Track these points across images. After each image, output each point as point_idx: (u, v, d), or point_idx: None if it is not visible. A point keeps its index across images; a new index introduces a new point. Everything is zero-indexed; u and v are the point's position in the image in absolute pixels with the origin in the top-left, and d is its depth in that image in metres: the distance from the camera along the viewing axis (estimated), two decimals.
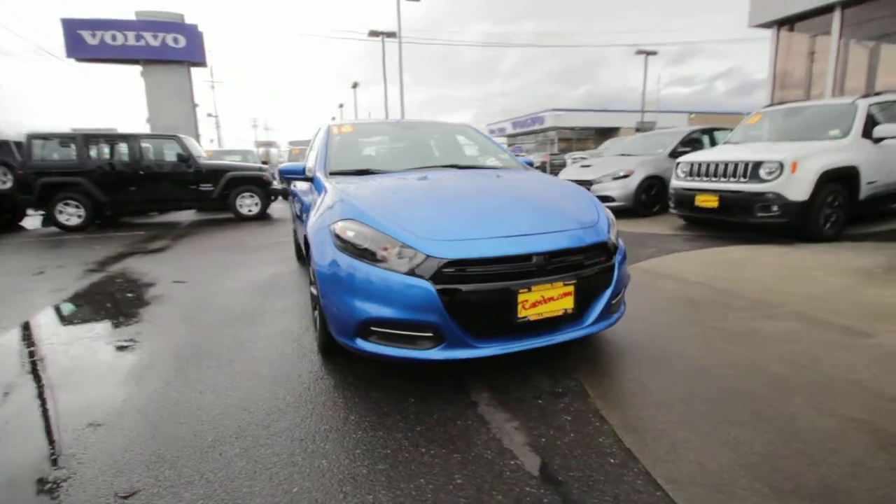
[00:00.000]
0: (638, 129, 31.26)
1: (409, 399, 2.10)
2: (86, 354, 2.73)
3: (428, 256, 1.94)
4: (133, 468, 1.66)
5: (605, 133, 38.25)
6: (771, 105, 6.98)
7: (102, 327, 3.20)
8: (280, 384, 2.28)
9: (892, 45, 9.70)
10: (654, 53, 28.43)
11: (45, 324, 3.34)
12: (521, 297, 1.96)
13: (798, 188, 4.92)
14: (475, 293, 1.93)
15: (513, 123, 44.03)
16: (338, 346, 2.38)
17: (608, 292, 2.25)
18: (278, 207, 11.27)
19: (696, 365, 2.34)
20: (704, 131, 8.32)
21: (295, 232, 5.03)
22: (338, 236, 2.18)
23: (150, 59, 18.47)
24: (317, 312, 2.64)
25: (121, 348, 2.81)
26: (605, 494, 1.47)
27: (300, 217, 4.00)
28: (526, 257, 2.00)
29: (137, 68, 19.15)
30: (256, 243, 6.43)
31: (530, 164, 3.61)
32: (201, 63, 19.74)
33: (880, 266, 4.01)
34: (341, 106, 47.17)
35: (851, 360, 2.34)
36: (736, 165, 5.34)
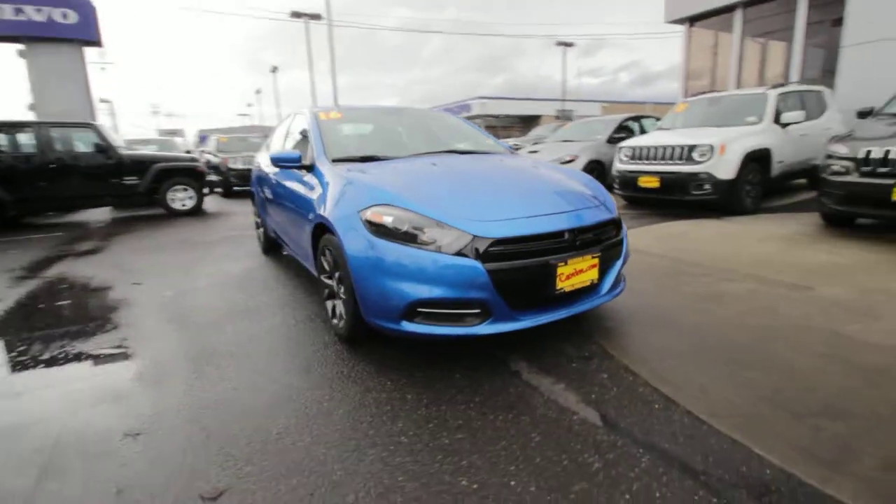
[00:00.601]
0: (557, 117, 32.97)
1: (455, 375, 2.19)
2: (78, 367, 2.47)
3: (475, 236, 2.03)
4: (205, 470, 1.59)
5: (528, 121, 39.80)
6: (693, 95, 7.75)
7: (76, 336, 2.89)
8: (316, 374, 2.25)
9: (778, 41, 11.17)
10: (571, 45, 30.01)
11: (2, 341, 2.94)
12: (559, 271, 2.12)
13: (726, 168, 5.60)
14: (520, 269, 2.06)
15: (440, 111, 44.15)
16: (365, 332, 2.41)
17: (619, 263, 2.49)
18: (211, 202, 10.49)
19: (689, 323, 2.68)
20: (634, 119, 9.06)
21: (261, 224, 4.79)
22: (371, 222, 2.19)
23: (33, 37, 16.01)
24: (336, 301, 2.62)
25: (112, 356, 2.58)
26: (663, 433, 1.69)
27: (275, 205, 3.83)
28: (559, 234, 2.17)
29: (14, 47, 16.55)
30: (207, 239, 6.00)
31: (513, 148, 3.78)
32: (96, 42, 17.46)
33: (798, 233, 4.73)
34: (258, 92, 44.31)
35: (804, 309, 2.80)
36: (673, 149, 5.93)
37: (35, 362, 2.51)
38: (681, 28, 11.81)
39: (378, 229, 2.17)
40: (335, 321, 2.66)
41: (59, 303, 3.57)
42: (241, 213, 8.34)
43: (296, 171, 3.18)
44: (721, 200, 5.72)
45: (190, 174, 8.47)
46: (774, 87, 6.43)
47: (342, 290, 2.51)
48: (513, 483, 1.47)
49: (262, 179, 4.35)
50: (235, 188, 11.86)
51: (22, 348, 2.70)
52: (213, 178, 11.09)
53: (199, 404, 2.02)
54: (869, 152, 4.02)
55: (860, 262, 3.67)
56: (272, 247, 4.85)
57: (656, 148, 6.11)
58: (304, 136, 3.65)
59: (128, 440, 1.78)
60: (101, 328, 2.99)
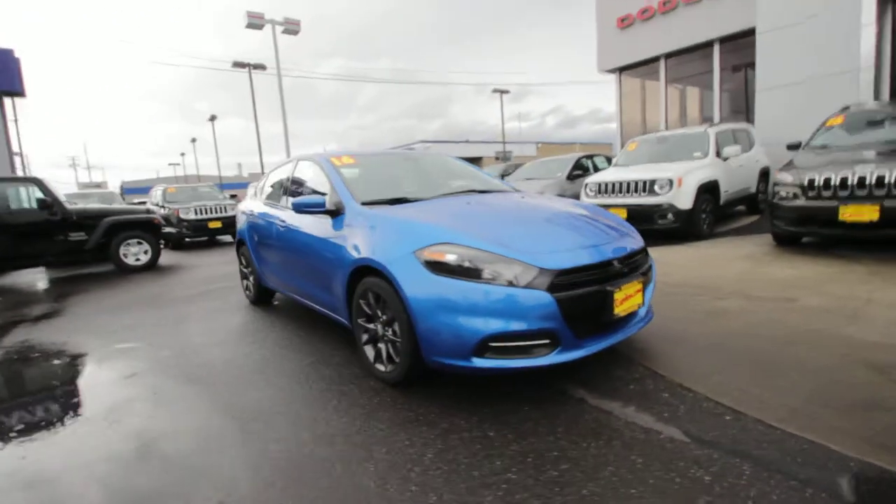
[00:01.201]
0: (497, 158, 34.64)
1: (524, 408, 2.21)
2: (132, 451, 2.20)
3: (541, 269, 2.12)
4: None
5: (470, 163, 41.48)
6: (628, 135, 8.54)
7: (87, 421, 2.58)
8: (385, 420, 2.17)
9: (693, 87, 12.67)
10: (507, 92, 32.09)
11: None
12: (615, 297, 2.25)
13: (684, 199, 6.18)
14: (583, 297, 2.16)
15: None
16: (420, 373, 2.39)
17: (651, 287, 2.68)
18: (162, 255, 9.82)
19: (710, 337, 2.89)
20: (587, 157, 9.79)
21: (251, 274, 4.59)
22: (430, 261, 2.22)
23: None
24: (381, 345, 2.57)
25: (153, 428, 2.33)
26: (747, 441, 1.81)
27: (281, 254, 3.72)
28: (610, 262, 2.31)
29: None
30: (181, 294, 5.61)
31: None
32: (19, 93, 16.29)
33: (757, 252, 5.27)
34: (194, 140, 42.79)
35: (800, 318, 3.12)
36: (636, 183, 6.47)
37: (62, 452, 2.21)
38: (611, 77, 13.11)
39: (440, 267, 2.20)
40: (380, 367, 2.60)
41: (38, 374, 3.17)
42: (204, 266, 7.89)
43: (319, 216, 3.13)
44: (682, 228, 6.26)
45: (145, 227, 7.96)
46: (712, 125, 7.28)
47: (390, 332, 2.49)
48: None
49: (258, 227, 4.21)
50: (188, 240, 11.29)
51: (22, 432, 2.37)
52: (175, 230, 10.56)
53: (288, 466, 1.87)
54: (812, 179, 4.64)
55: (821, 274, 4.15)
56: (263, 297, 4.64)
57: (621, 183, 6.63)
58: (314, 182, 3.65)
59: None
60: (113, 399, 2.70)
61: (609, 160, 10.10)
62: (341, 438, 2.05)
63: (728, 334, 2.94)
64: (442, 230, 2.36)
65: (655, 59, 11.68)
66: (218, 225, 11.28)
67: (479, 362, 2.11)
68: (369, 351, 2.70)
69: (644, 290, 2.51)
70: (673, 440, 1.86)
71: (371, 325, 2.64)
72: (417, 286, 2.23)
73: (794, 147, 5.93)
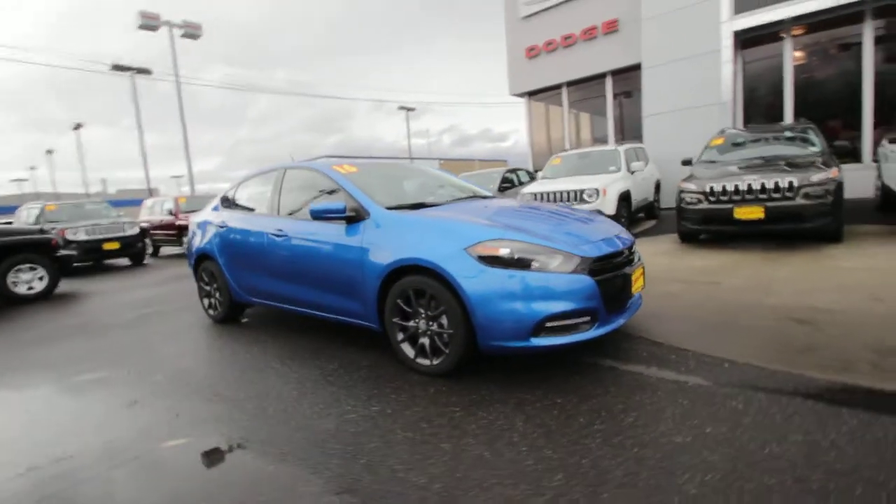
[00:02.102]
0: None
1: (574, 377, 2.54)
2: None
3: (582, 257, 2.49)
4: None
5: None
6: (549, 153, 9.54)
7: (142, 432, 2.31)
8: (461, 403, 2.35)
9: (584, 112, 14.40)
10: (412, 109, 32.94)
11: None
12: (632, 279, 2.71)
13: (609, 206, 7.12)
14: (611, 280, 2.58)
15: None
16: (470, 361, 2.60)
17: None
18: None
19: (675, 314, 3.50)
20: (511, 171, 10.63)
21: (217, 290, 4.31)
22: (483, 256, 2.47)
23: None
24: (424, 339, 2.72)
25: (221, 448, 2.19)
26: (752, 378, 2.34)
27: (275, 264, 3.63)
28: (622, 252, 2.77)
29: None
30: (113, 321, 4.98)
31: None
32: None
33: (670, 248, 6.30)
34: (50, 152, 36.66)
35: (731, 294, 3.91)
36: (569, 193, 7.29)
37: None
38: (513, 99, 14.39)
39: (494, 261, 2.46)
40: (423, 361, 2.74)
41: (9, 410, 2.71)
42: (114, 292, 7.00)
43: (327, 223, 3.17)
44: None
45: (39, 249, 6.85)
46: (620, 143, 8.48)
47: (435, 326, 2.66)
48: (708, 430, 1.92)
49: (233, 240, 4.02)
50: (76, 264, 9.77)
51: None
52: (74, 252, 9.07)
53: (411, 458, 1.95)
54: (713, 187, 5.75)
55: (728, 262, 5.17)
56: (232, 314, 4.38)
57: (554, 192, 7.41)
58: (313, 190, 3.65)
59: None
60: (138, 427, 2.45)
61: (530, 174, 11.07)
62: (425, 425, 2.18)
63: (686, 308, 3.60)
64: (487, 228, 2.62)
65: (559, 87, 13.12)
66: (115, 246, 10.01)
67: (536, 341, 2.40)
68: (407, 348, 2.83)
69: (643, 275, 3.02)
70: (700, 385, 2.33)
71: (410, 323, 2.78)
72: (474, 279, 2.45)
73: (687, 162, 7.21)
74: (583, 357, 2.80)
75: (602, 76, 12.27)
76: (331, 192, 3.48)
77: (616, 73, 12.07)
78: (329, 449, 2.03)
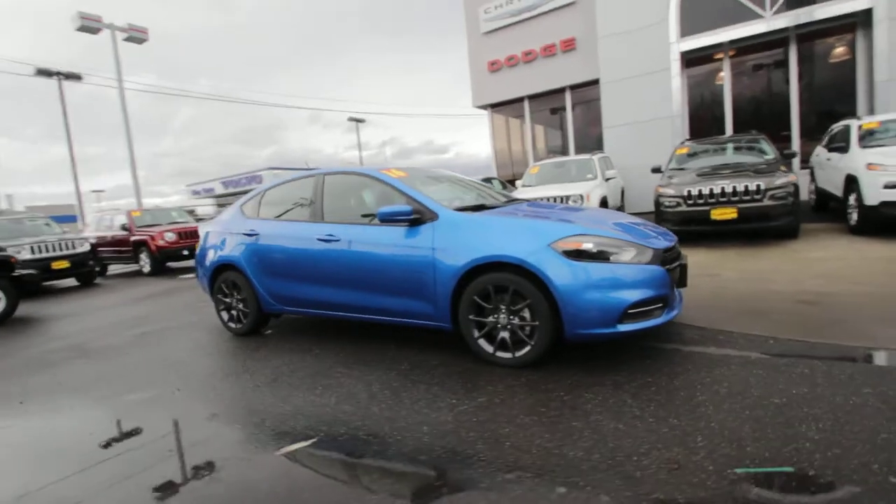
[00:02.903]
0: None
1: (647, 361, 2.79)
2: None
3: (654, 249, 2.77)
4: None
5: None
6: (510, 162, 10.01)
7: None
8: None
9: (543, 124, 15.19)
10: (362, 121, 32.71)
11: None
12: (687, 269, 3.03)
13: None
14: (674, 269, 2.88)
15: (223, 183, 40.83)
16: (552, 351, 2.78)
17: None
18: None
19: (699, 303, 3.89)
20: (486, 180, 10.97)
21: (238, 303, 4.17)
22: (569, 251, 2.67)
23: None
24: (504, 334, 2.86)
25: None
26: (795, 350, 2.72)
27: (301, 269, 3.64)
28: (674, 245, 3.09)
29: None
30: (115, 341, 4.62)
31: None
32: None
33: None
34: None
35: (736, 284, 4.40)
36: (554, 199, 7.71)
37: None
38: (484, 112, 14.90)
39: (578, 255, 2.67)
40: (504, 354, 2.88)
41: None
42: (87, 313, 6.46)
43: (384, 227, 3.24)
44: None
45: None
46: (593, 153, 9.09)
47: (516, 320, 2.82)
48: (794, 391, 2.23)
49: (266, 248, 3.93)
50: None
51: None
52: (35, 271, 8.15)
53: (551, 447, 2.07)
54: (690, 191, 6.36)
55: (712, 258, 5.74)
56: (259, 326, 4.26)
57: (540, 199, 7.79)
58: (362, 194, 3.70)
59: None
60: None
61: (502, 183, 11.49)
62: (543, 409, 2.32)
63: (704, 298, 4.00)
64: (566, 225, 2.83)
65: (520, 99, 13.75)
66: (64, 265, 9.16)
67: (622, 327, 2.63)
68: (485, 344, 2.95)
69: None
70: (759, 358, 2.67)
71: (488, 319, 2.91)
72: (562, 272, 2.64)
73: (657, 170, 7.88)
74: (642, 343, 3.07)
75: (562, 90, 13.04)
76: (381, 196, 3.54)
77: (574, 88, 12.88)
78: (467, 437, 2.11)
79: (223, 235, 4.36)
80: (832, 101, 10.13)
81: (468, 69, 14.22)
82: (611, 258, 2.68)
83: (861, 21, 9.29)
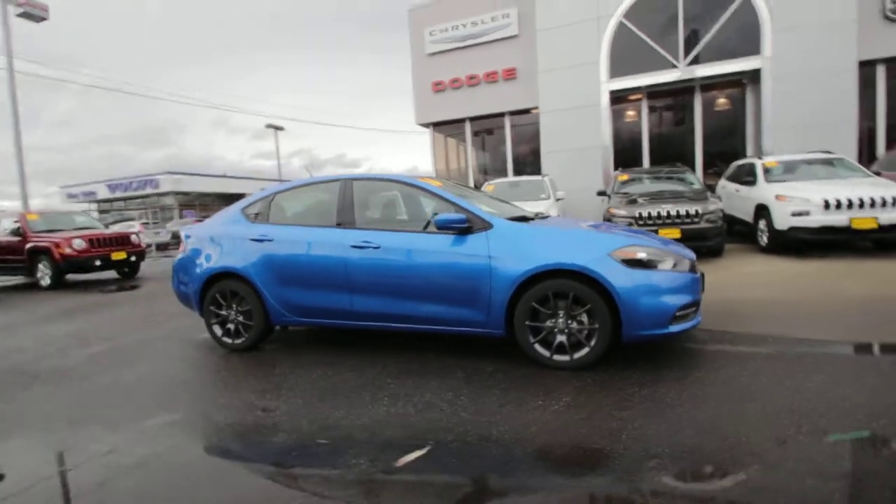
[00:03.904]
0: None
1: (695, 360, 3.12)
2: None
3: (691, 260, 3.14)
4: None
5: (228, 199, 37.61)
6: (496, 180, 10.41)
7: None
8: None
9: (478, 146, 15.89)
10: (281, 129, 31.12)
11: None
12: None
13: None
14: (702, 277, 3.28)
15: (109, 186, 35.95)
16: (607, 353, 3.01)
17: None
18: None
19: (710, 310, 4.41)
20: None
21: (237, 315, 3.83)
22: (626, 259, 2.94)
23: None
24: (561, 337, 3.02)
25: None
26: (804, 345, 3.25)
27: (330, 277, 3.52)
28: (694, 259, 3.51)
29: None
30: (64, 362, 3.91)
31: None
32: None
33: None
34: None
35: (724, 291, 5.04)
36: None
37: None
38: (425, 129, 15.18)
39: (633, 263, 2.94)
40: (562, 357, 3.03)
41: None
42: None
43: (441, 234, 3.26)
44: None
45: None
46: (544, 176, 9.75)
47: (574, 324, 3.00)
48: (819, 376, 2.68)
49: (283, 256, 3.69)
50: None
51: None
52: None
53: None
54: (640, 213, 7.15)
55: None
56: (262, 339, 3.93)
57: None
58: (394, 202, 3.66)
59: None
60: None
61: None
62: (628, 403, 2.51)
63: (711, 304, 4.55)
64: (619, 237, 3.10)
65: (462, 121, 14.28)
66: None
67: (672, 328, 2.94)
68: (541, 349, 3.08)
69: None
70: (781, 352, 3.14)
71: (546, 324, 3.05)
72: (622, 279, 2.89)
73: (602, 193, 8.75)
74: (663, 344, 3.42)
75: (502, 115, 13.81)
76: (420, 204, 3.55)
77: (513, 114, 13.72)
78: (580, 433, 2.21)
79: (219, 240, 3.99)
80: (727, 141, 12.06)
81: (412, 87, 14.43)
82: (658, 266, 2.99)
83: (750, 77, 11.26)
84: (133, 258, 9.56)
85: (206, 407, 2.91)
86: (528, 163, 13.73)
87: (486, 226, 3.23)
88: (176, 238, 18.74)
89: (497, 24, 13.14)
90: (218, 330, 4.00)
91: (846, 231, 6.32)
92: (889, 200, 6.21)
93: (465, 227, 3.22)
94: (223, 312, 3.94)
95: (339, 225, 3.63)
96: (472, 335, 3.33)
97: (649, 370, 2.94)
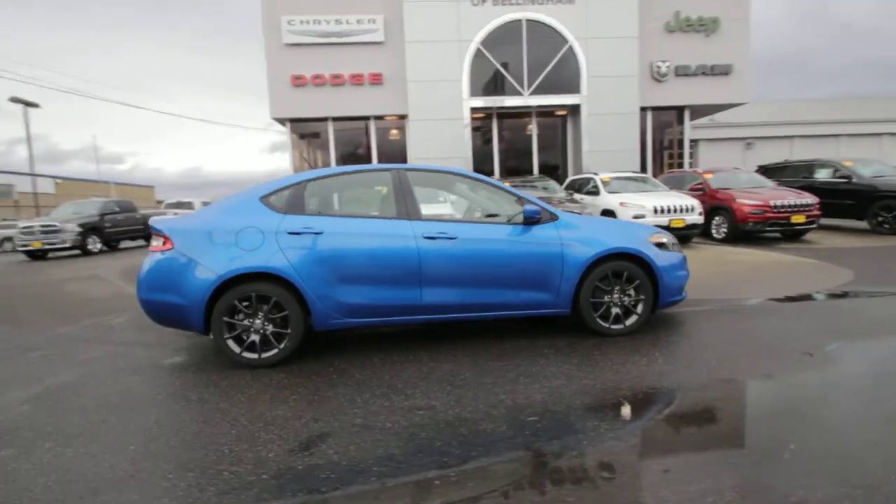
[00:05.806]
0: None
1: (678, 315, 4.14)
2: None
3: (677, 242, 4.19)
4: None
5: None
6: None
7: None
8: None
9: (341, 146, 15.54)
10: (36, 106, 23.20)
11: None
12: None
13: None
14: None
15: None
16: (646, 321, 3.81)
17: None
18: None
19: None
20: None
21: (269, 321, 3.29)
22: (657, 243, 3.79)
23: None
24: (615, 309, 3.67)
25: None
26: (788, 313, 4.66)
27: (399, 272, 3.42)
28: None
29: None
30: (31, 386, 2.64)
31: None
32: None
33: None
34: None
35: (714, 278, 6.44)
36: None
37: None
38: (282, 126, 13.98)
39: (661, 246, 3.81)
40: (617, 326, 3.67)
41: None
42: None
43: (494, 226, 3.57)
44: None
45: None
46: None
47: (626, 299, 3.70)
48: (754, 328, 3.99)
49: (343, 251, 3.35)
50: None
51: None
52: None
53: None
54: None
55: None
56: (296, 349, 3.43)
57: None
58: (461, 194, 3.75)
59: None
60: None
61: None
62: (695, 353, 3.30)
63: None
64: (645, 226, 3.92)
65: (325, 119, 13.71)
66: None
67: (684, 294, 3.91)
68: (601, 321, 3.66)
69: None
70: (736, 308, 4.44)
71: (605, 299, 3.65)
72: (660, 259, 3.72)
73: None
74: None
75: (367, 118, 13.84)
76: (478, 196, 3.73)
77: (378, 118, 13.91)
78: (697, 378, 2.88)
79: (233, 236, 3.32)
80: (554, 159, 14.85)
81: (265, 78, 13.11)
82: (670, 248, 3.94)
83: (571, 110, 14.17)
84: None
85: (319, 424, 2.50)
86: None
87: (554, 217, 3.66)
88: None
89: (363, 28, 13.15)
90: (234, 346, 3.29)
91: (667, 229, 8.80)
92: (689, 207, 8.93)
93: (540, 219, 3.57)
94: (245, 322, 3.27)
95: (400, 216, 3.49)
96: (540, 316, 3.68)
97: (671, 332, 3.83)
